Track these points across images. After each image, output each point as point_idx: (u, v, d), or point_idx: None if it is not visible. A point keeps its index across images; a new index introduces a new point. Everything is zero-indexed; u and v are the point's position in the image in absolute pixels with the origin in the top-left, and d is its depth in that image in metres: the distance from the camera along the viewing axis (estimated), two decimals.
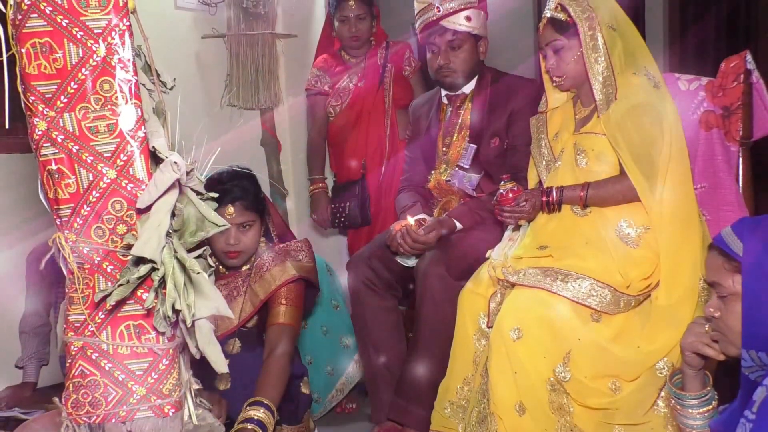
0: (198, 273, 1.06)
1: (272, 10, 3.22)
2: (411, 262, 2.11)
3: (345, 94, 2.88)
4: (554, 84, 1.90)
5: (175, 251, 1.08)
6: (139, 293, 1.15)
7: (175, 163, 1.06)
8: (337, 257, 3.02)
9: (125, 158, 1.14)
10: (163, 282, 1.09)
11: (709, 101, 1.93)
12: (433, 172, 2.29)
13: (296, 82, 3.29)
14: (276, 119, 3.37)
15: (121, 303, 1.14)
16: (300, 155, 3.23)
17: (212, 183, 1.80)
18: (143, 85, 1.28)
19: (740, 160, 1.89)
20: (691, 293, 1.64)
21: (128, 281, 1.09)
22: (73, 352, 1.16)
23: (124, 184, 1.14)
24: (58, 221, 1.16)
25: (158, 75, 1.31)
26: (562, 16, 1.83)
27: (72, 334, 1.16)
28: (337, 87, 2.88)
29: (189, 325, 1.09)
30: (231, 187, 1.85)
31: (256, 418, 1.66)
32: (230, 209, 1.83)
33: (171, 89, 1.37)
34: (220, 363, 1.14)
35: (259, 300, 1.91)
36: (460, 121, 2.25)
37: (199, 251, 1.19)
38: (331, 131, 2.93)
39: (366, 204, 2.79)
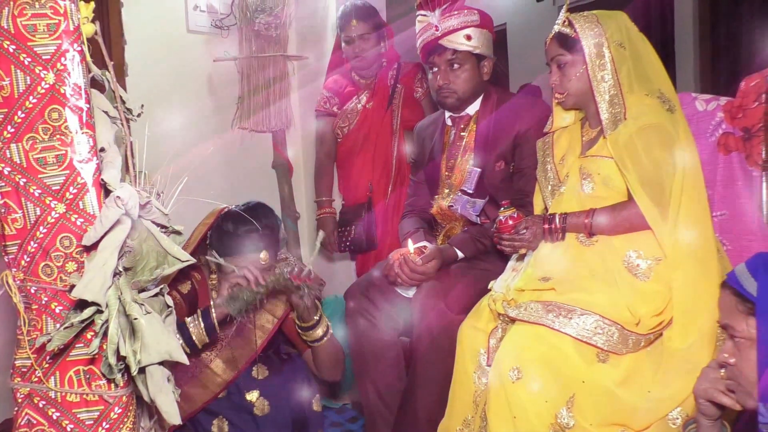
0: (135, 319, 0.97)
1: (284, 32, 3.17)
2: (410, 293, 1.99)
3: (353, 115, 2.80)
4: (557, 101, 1.80)
5: (121, 292, 1.00)
6: (89, 336, 1.08)
7: (118, 197, 0.98)
8: (346, 283, 2.92)
9: (75, 191, 1.07)
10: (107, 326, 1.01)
11: (728, 122, 1.79)
12: (436, 196, 2.18)
13: (308, 104, 3.22)
14: (288, 142, 3.32)
15: (69, 346, 1.07)
16: (312, 178, 3.16)
17: (239, 224, 1.75)
18: (106, 112, 1.22)
19: (763, 185, 1.74)
20: (709, 336, 1.48)
21: (72, 324, 1.01)
22: (20, 400, 1.09)
23: (73, 219, 1.07)
24: (6, 258, 1.10)
25: (123, 102, 1.25)
26: (568, 31, 1.73)
27: (19, 380, 1.09)
28: (345, 108, 2.81)
29: (134, 373, 1.00)
30: (262, 235, 1.78)
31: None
32: (264, 255, 1.77)
33: (138, 116, 1.31)
34: (172, 414, 1.05)
35: (271, 325, 1.86)
36: (464, 143, 2.13)
37: (156, 290, 1.12)
38: (339, 153, 2.85)
39: (372, 228, 2.68)
